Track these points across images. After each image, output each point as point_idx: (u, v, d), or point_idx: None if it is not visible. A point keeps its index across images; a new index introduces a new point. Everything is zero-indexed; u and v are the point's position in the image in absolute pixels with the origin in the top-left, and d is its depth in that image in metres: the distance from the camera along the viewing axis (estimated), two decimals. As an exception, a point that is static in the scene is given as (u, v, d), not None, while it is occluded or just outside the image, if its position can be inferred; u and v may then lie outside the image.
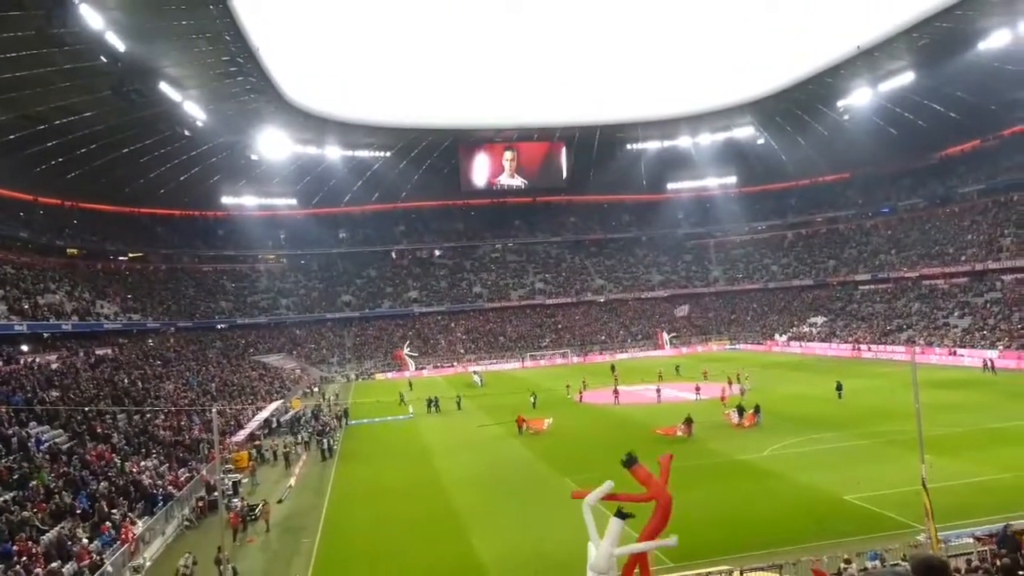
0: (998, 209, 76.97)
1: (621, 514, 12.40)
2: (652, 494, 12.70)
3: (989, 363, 52.98)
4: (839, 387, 45.07)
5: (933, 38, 61.59)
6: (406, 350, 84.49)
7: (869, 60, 67.08)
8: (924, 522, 18.06)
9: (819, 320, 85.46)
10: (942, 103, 74.47)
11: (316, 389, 69.45)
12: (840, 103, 77.68)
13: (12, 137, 53.13)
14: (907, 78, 68.81)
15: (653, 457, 14.16)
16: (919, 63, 66.72)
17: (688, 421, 36.49)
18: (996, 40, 58.75)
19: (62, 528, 21.49)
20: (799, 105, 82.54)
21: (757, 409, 38.64)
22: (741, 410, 38.46)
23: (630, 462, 12.67)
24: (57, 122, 53.52)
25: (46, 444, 27.86)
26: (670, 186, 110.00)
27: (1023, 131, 74.65)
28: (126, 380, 43.56)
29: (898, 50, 64.78)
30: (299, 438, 42.22)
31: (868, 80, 71.36)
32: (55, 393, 34.69)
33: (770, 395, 43.52)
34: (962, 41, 61.30)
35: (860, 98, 74.59)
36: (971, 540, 18.07)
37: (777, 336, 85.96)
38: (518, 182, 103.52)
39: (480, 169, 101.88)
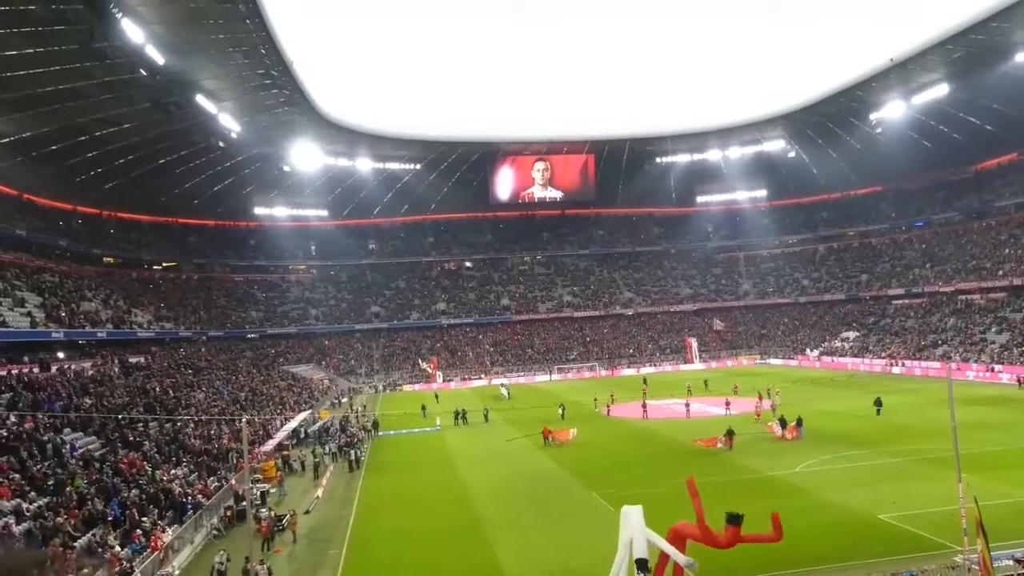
0: (1036, 224, 75.47)
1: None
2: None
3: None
4: (879, 403, 44.16)
5: (968, 50, 60.76)
6: (424, 366, 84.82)
7: (903, 72, 66.28)
8: (964, 542, 17.65)
9: (851, 335, 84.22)
10: (977, 116, 73.30)
11: (344, 400, 69.81)
12: (873, 116, 76.75)
13: (54, 148, 54.41)
14: (941, 90, 67.84)
15: (687, 469, 14.17)
16: (954, 75, 65.80)
17: (730, 433, 36.44)
18: (1034, 52, 57.82)
19: (93, 535, 21.77)
20: (831, 118, 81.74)
21: (799, 422, 38.44)
22: (784, 422, 38.36)
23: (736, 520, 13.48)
24: (97, 133, 54.72)
25: (79, 451, 28.31)
26: (699, 199, 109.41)
27: (1062, 145, 73.27)
28: (158, 388, 44.14)
29: (932, 62, 63.96)
30: (327, 448, 42.42)
31: (901, 93, 70.45)
32: (89, 400, 35.23)
33: (802, 411, 42.78)
34: (998, 53, 60.40)
35: (893, 111, 73.66)
36: (1011, 562, 17.61)
37: (808, 351, 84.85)
38: (547, 195, 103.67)
39: (509, 182, 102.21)
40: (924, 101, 70.40)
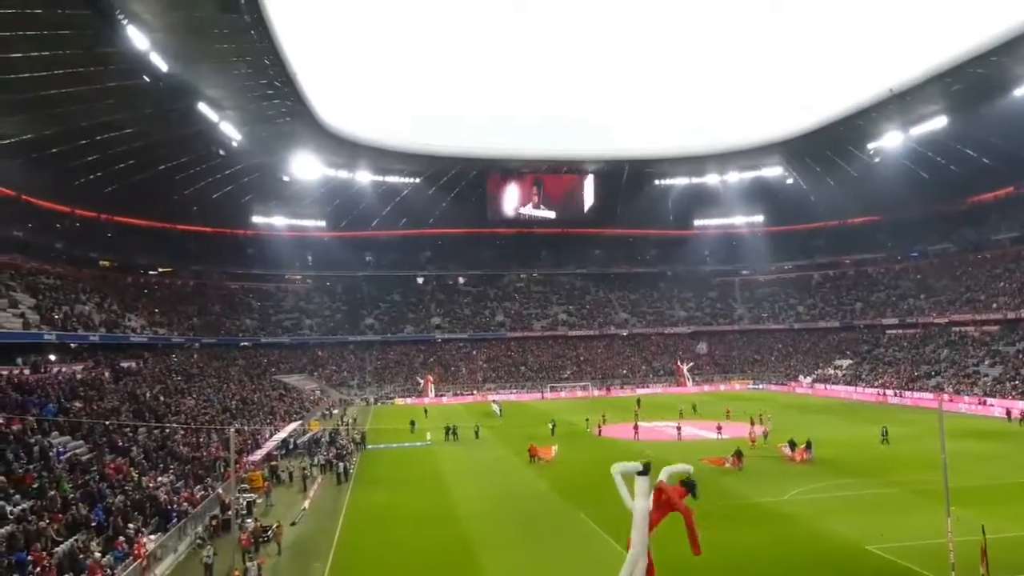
0: (1031, 258, 75.76)
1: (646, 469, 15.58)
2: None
3: (1021, 413, 51.92)
4: (884, 432, 44.06)
5: (967, 83, 61.19)
6: (423, 381, 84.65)
7: (901, 103, 66.68)
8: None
9: (844, 363, 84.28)
10: (975, 148, 73.80)
11: (335, 411, 69.53)
12: (871, 145, 77.23)
13: (54, 150, 54.38)
14: (940, 122, 68.32)
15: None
16: (952, 108, 66.27)
17: (738, 454, 37.03)
18: (1032, 87, 58.31)
19: (76, 540, 21.58)
20: (829, 146, 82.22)
21: (809, 445, 39.06)
22: (793, 444, 39.05)
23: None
24: (98, 137, 54.73)
25: (66, 455, 28.12)
26: (697, 222, 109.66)
27: (1058, 180, 73.69)
28: (148, 394, 43.93)
29: (931, 94, 64.33)
30: (316, 460, 42.21)
31: (900, 123, 70.92)
32: (78, 404, 35.05)
33: (789, 438, 42.78)
34: (996, 87, 60.89)
35: (891, 141, 74.16)
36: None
37: (801, 377, 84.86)
38: (545, 213, 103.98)
39: (508, 199, 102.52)
40: (922, 132, 70.88)
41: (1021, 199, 78.90)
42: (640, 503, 15.39)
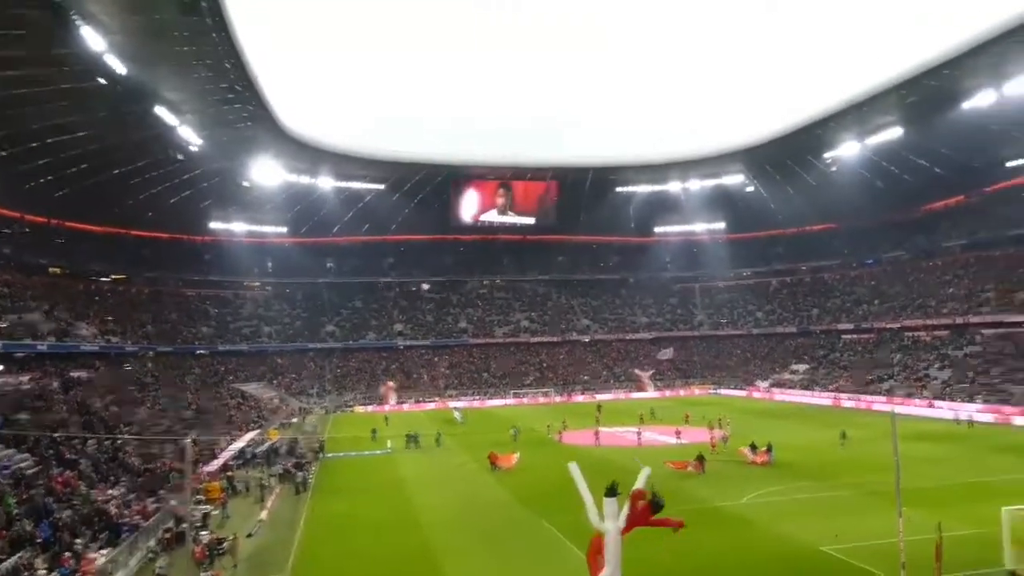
0: (980, 264, 77.94)
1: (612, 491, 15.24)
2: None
3: (968, 417, 53.29)
4: (843, 436, 45.15)
5: (921, 95, 62.85)
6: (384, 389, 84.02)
7: (858, 114, 68.28)
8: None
9: (801, 368, 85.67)
10: (928, 159, 75.73)
11: (295, 420, 68.59)
12: (828, 155, 78.81)
13: (3, 154, 52.82)
14: (894, 133, 70.00)
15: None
16: (906, 119, 67.95)
17: (700, 458, 37.62)
18: (981, 100, 60.07)
19: (20, 557, 20.88)
20: (788, 155, 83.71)
21: (769, 447, 39.95)
22: (754, 447, 39.97)
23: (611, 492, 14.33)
24: (50, 140, 53.23)
25: (10, 469, 27.24)
26: (658, 229, 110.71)
27: (1005, 188, 75.76)
28: (99, 404, 42.91)
29: (886, 105, 65.96)
30: (274, 470, 41.57)
31: (856, 133, 72.51)
32: (24, 416, 34.05)
33: (750, 441, 43.31)
34: (948, 99, 62.60)
35: (848, 150, 75.76)
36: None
37: (759, 382, 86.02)
38: (509, 219, 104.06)
39: (471, 205, 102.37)
40: (878, 142, 72.57)
41: (971, 208, 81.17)
42: (610, 525, 15.26)
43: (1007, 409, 55.00)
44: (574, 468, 16.78)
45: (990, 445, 43.71)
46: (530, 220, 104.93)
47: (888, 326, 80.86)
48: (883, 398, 66.14)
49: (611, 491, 15.31)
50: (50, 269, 70.28)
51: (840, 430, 45.87)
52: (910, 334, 77.94)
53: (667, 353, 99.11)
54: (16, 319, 49.37)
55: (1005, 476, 34.00)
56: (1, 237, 63.00)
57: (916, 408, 61.20)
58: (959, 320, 71.87)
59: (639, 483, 15.95)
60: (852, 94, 65.91)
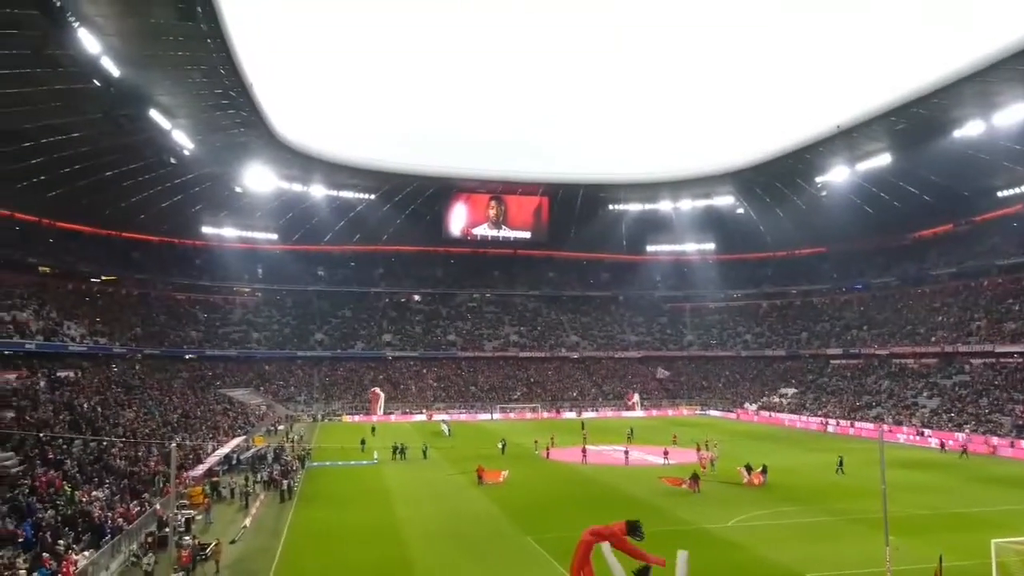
0: (968, 293, 78.47)
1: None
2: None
3: (961, 446, 53.49)
4: (840, 463, 44.19)
5: (910, 123, 63.34)
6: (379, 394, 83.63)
7: (848, 140, 68.77)
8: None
9: (789, 391, 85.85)
10: (917, 186, 76.31)
11: (281, 427, 68.17)
12: (819, 179, 79.26)
13: (-4, 153, 52.62)
14: (884, 159, 70.50)
15: (623, 515, 13.98)
16: (896, 146, 68.47)
17: (695, 477, 37.79)
18: (970, 129, 60.53)
19: (1, 557, 20.63)
20: (779, 178, 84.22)
21: (764, 469, 40.21)
22: (749, 468, 40.23)
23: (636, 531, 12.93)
24: (44, 140, 53.02)
25: (-6, 467, 26.98)
26: (649, 248, 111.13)
27: (994, 218, 76.52)
28: (85, 405, 42.52)
29: (876, 132, 66.47)
30: (259, 476, 41.28)
31: (846, 159, 72.97)
32: (10, 414, 33.71)
33: (738, 464, 43.35)
34: (938, 128, 63.09)
35: (838, 175, 76.21)
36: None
37: (747, 405, 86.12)
38: (499, 233, 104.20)
39: (463, 218, 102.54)
40: (868, 168, 73.02)
41: (959, 236, 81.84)
42: None
43: (994, 440, 55.10)
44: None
45: (979, 475, 43.74)
46: (525, 234, 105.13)
47: (877, 352, 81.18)
48: (870, 425, 66.25)
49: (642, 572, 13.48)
50: (40, 268, 69.81)
51: (838, 456, 45.18)
52: (898, 361, 78.26)
53: (663, 372, 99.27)
54: (4, 317, 48.91)
55: (994, 507, 34.00)
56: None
57: (904, 436, 61.40)
58: (948, 348, 72.16)
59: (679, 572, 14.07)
60: (842, 120, 66.41)
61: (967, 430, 58.32)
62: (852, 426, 67.70)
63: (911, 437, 61.02)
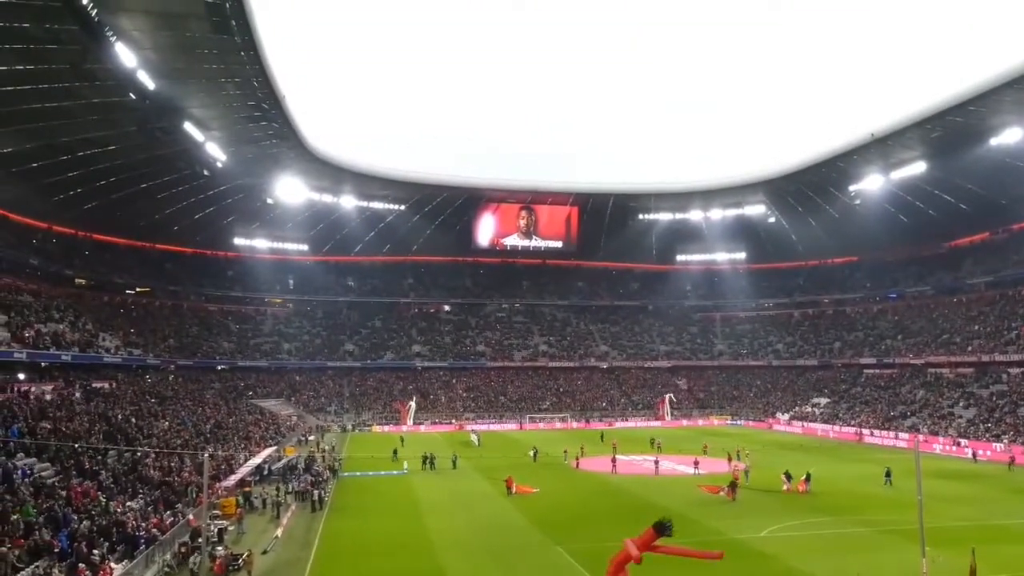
0: (1005, 302, 76.87)
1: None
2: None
3: (1009, 457, 52.02)
4: (888, 474, 42.52)
5: (946, 131, 62.33)
6: (412, 404, 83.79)
7: (882, 148, 67.82)
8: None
9: (822, 401, 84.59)
10: (953, 194, 75.00)
11: (312, 437, 68.58)
12: (852, 187, 78.25)
13: (35, 165, 53.76)
14: (919, 168, 69.44)
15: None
16: (931, 154, 67.44)
17: (733, 485, 37.91)
18: (1008, 137, 59.42)
19: (37, 567, 20.89)
20: (811, 187, 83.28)
21: (808, 477, 40.26)
22: (789, 475, 40.27)
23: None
24: (80, 153, 54.19)
25: (31, 477, 27.37)
26: (679, 257, 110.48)
27: (1033, 227, 75.05)
28: (120, 416, 43.12)
29: (911, 140, 65.53)
30: (291, 487, 41.52)
31: (880, 167, 72.01)
32: (47, 425, 34.27)
33: (772, 474, 42.74)
34: (974, 135, 62.02)
35: (872, 184, 75.19)
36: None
37: (779, 415, 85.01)
38: (529, 243, 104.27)
39: (492, 228, 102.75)
40: (902, 177, 71.97)
41: (996, 244, 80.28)
42: None
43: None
44: None
45: (1018, 486, 42.71)
46: (556, 244, 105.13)
47: (911, 362, 79.77)
48: (905, 435, 65.06)
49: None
50: (76, 280, 71.21)
51: (884, 467, 43.50)
52: (934, 371, 76.81)
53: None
54: (41, 329, 49.85)
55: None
56: (31, 248, 63.91)
57: (940, 446, 60.19)
58: (984, 358, 70.72)
59: None
60: (876, 127, 65.50)
61: (1005, 440, 56.97)
62: (896, 436, 66.26)
63: (948, 447, 59.76)
